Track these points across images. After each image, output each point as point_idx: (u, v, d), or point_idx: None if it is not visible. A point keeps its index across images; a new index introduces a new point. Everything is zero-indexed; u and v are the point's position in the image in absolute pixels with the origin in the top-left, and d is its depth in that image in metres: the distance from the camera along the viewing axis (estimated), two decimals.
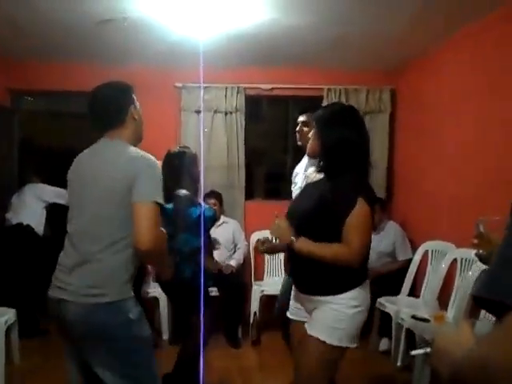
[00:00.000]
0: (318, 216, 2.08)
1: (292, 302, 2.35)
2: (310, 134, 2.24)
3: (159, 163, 4.21)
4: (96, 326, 1.91)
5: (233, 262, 4.65)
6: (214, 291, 4.28)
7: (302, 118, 3.26)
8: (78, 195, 2.04)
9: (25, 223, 4.38)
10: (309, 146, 2.25)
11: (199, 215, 3.07)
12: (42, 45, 4.37)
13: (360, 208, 2.01)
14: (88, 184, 2.00)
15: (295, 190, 3.20)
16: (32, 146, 5.36)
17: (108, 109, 2.10)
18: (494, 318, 0.83)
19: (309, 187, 2.30)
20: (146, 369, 2.03)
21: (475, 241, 1.60)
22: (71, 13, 3.50)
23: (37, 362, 3.83)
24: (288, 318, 2.37)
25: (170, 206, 2.95)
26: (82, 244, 1.95)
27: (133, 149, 2.04)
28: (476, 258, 1.64)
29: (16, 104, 5.08)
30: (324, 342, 2.05)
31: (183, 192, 3.10)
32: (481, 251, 1.59)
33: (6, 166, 4.76)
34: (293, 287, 2.35)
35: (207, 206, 3.45)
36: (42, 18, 3.64)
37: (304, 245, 2.07)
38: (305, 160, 3.20)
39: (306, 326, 2.16)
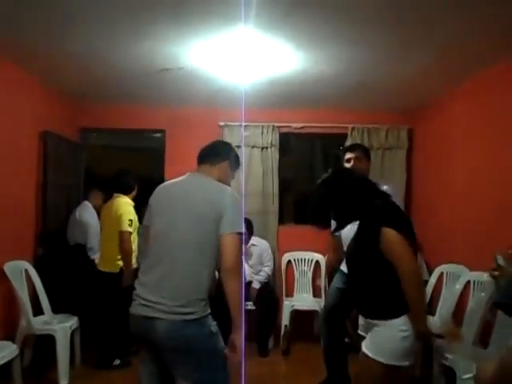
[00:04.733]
0: (358, 254, 2.14)
1: (360, 319, 2.35)
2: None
3: None
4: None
5: (255, 285, 4.53)
6: (249, 305, 4.29)
7: (356, 155, 3.26)
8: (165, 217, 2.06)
9: (82, 243, 4.34)
10: None
11: None
12: (108, 89, 4.56)
13: (386, 236, 2.01)
14: (173, 206, 2.06)
15: None
16: (94, 175, 5.52)
17: (213, 151, 2.24)
18: None
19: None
20: (222, 376, 2.00)
21: (495, 273, 1.56)
22: (135, 63, 3.66)
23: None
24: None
25: None
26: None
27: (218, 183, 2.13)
28: (488, 280, 1.62)
29: (84, 140, 5.26)
30: (374, 360, 2.05)
31: None
32: (501, 282, 1.54)
33: (73, 193, 4.92)
34: None
35: None
36: (110, 67, 3.81)
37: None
38: None
39: (362, 343, 2.16)
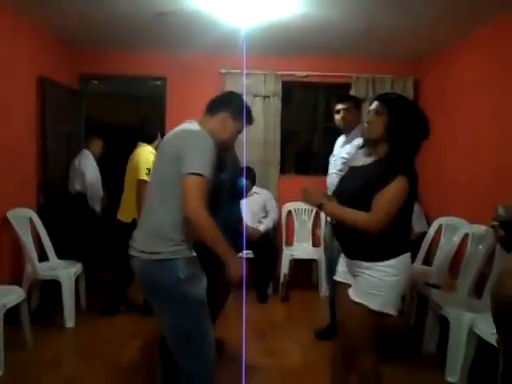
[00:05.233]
0: (362, 198, 2.01)
1: (339, 266, 2.29)
2: (376, 121, 2.07)
3: None
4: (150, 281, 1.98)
5: (261, 227, 4.61)
6: (249, 253, 4.37)
7: (345, 106, 3.32)
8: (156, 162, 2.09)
9: (82, 191, 4.34)
10: (371, 131, 2.09)
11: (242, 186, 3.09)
12: (107, 34, 4.41)
13: (396, 183, 1.93)
14: (160, 151, 2.08)
15: (332, 160, 3.42)
16: (95, 123, 5.46)
17: (215, 100, 2.15)
18: None
19: (357, 170, 2.18)
20: (194, 328, 1.98)
21: (495, 223, 1.54)
22: (134, 5, 3.52)
23: (99, 307, 3.97)
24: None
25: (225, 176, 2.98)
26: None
27: (196, 127, 2.00)
28: (486, 233, 1.61)
29: (83, 87, 5.15)
30: (366, 307, 2.02)
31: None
32: (500, 233, 1.52)
33: (74, 140, 4.86)
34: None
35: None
36: (109, 11, 3.67)
37: (331, 208, 2.05)
38: (342, 138, 3.44)
39: (349, 291, 2.11)
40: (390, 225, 1.96)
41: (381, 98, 2.14)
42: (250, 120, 2.18)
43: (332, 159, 3.46)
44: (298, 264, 4.83)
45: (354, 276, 2.13)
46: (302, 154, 5.93)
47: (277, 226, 5.06)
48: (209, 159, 1.87)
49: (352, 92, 4.95)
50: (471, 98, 3.94)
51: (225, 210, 2.98)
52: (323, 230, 4.88)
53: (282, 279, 4.64)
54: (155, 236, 1.94)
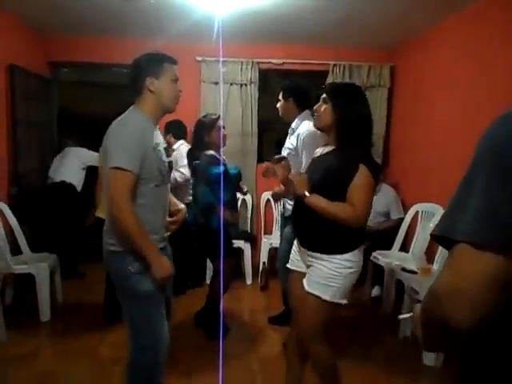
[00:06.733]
0: (327, 184, 2.04)
1: (293, 254, 2.31)
2: (322, 109, 2.12)
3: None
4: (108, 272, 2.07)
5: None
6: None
7: (279, 97, 3.32)
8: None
9: (67, 181, 4.40)
10: (320, 120, 2.15)
11: (219, 174, 3.09)
12: (78, 21, 4.29)
13: (361, 173, 1.96)
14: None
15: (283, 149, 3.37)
16: (68, 112, 5.35)
17: (130, 80, 2.01)
18: None
19: (319, 159, 2.22)
20: (143, 321, 1.97)
21: None
22: None
23: (76, 300, 3.96)
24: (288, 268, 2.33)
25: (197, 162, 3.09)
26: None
27: (125, 114, 1.96)
28: None
29: (54, 75, 5.02)
30: (319, 298, 2.05)
31: (209, 152, 3.16)
32: None
33: (46, 131, 4.76)
34: (295, 240, 2.30)
35: (233, 166, 3.44)
36: None
37: (314, 199, 2.03)
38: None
39: (304, 281, 2.13)
40: (367, 215, 2.02)
41: (327, 87, 2.19)
42: (170, 60, 2.00)
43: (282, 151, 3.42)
44: (276, 252, 4.83)
45: (308, 266, 2.15)
46: (281, 142, 5.90)
47: (255, 215, 5.06)
48: (131, 149, 1.82)
49: (329, 79, 4.95)
50: (446, 85, 3.98)
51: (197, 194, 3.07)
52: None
53: (261, 268, 4.65)
54: (110, 227, 1.96)
